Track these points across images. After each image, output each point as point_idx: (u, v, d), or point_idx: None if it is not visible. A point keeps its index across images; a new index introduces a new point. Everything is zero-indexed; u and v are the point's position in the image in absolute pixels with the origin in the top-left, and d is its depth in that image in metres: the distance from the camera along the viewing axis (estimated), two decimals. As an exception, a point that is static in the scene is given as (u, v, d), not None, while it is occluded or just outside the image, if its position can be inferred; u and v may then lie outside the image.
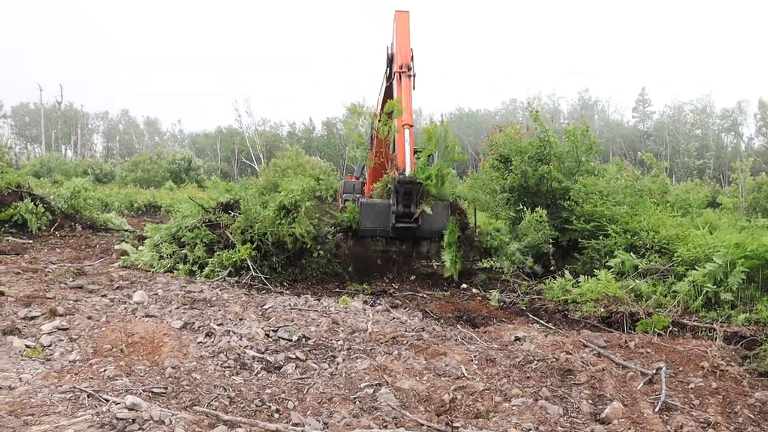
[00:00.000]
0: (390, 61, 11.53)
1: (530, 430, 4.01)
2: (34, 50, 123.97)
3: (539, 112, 13.67)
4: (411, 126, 10.31)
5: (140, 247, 11.16)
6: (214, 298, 7.73)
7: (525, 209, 11.50)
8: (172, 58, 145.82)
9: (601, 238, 10.36)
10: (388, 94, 11.98)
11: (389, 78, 11.76)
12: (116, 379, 4.38)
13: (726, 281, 7.43)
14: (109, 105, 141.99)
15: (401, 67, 10.74)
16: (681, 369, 5.42)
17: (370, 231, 10.13)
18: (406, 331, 6.51)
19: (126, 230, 16.84)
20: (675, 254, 8.94)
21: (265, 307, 7.36)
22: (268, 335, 6.04)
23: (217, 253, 9.61)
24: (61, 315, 6.10)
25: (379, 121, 12.14)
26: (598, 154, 14.45)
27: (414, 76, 10.73)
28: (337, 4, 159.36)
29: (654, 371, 5.11)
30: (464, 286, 10.18)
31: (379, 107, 12.90)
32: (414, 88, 10.90)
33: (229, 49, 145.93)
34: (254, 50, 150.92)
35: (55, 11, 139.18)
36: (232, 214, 10.44)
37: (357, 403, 4.40)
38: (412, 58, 10.91)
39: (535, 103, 70.04)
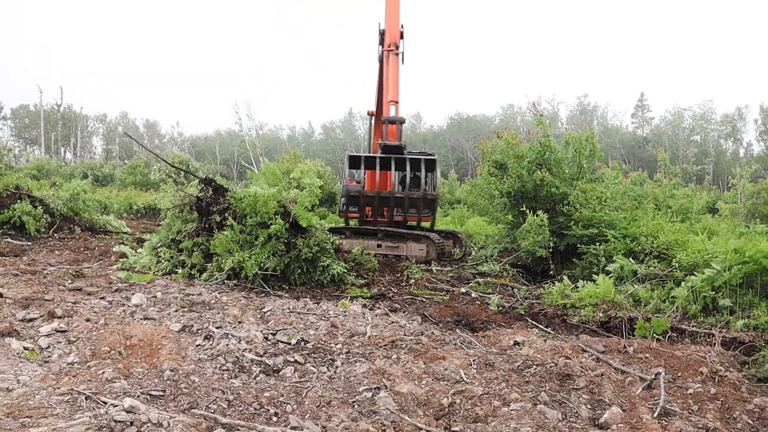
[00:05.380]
0: (381, 40, 11.62)
1: (529, 434, 4.00)
2: (33, 48, 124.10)
3: (543, 115, 13.67)
4: (396, 102, 10.43)
5: (139, 250, 11.16)
6: (212, 301, 7.72)
7: (527, 212, 11.49)
8: (172, 57, 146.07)
9: (600, 244, 10.37)
10: (381, 74, 12.17)
11: (380, 58, 11.87)
12: (114, 382, 4.37)
13: (724, 287, 7.44)
14: (109, 103, 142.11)
15: (389, 46, 10.82)
16: (680, 374, 5.41)
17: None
18: (405, 335, 6.51)
19: (125, 233, 16.85)
20: (674, 259, 8.96)
21: (264, 310, 7.36)
22: (266, 338, 6.04)
23: (215, 258, 9.59)
24: (59, 317, 6.09)
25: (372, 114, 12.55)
26: (599, 159, 14.50)
27: (402, 53, 10.85)
28: (336, 6, 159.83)
29: (653, 376, 5.11)
30: (463, 290, 10.18)
31: (376, 94, 13.03)
32: (402, 63, 11.11)
33: (230, 50, 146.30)
34: (254, 51, 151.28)
35: (55, 10, 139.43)
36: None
37: (356, 406, 4.39)
38: (402, 35, 11.08)
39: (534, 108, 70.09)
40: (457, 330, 7.30)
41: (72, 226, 15.93)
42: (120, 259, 10.77)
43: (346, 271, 10.32)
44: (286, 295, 8.97)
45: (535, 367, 5.33)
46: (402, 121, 10.15)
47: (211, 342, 5.72)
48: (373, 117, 14.17)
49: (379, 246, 13.78)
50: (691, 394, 4.87)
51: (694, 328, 7.16)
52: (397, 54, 10.75)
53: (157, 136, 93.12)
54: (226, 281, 9.20)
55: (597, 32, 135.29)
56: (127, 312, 6.69)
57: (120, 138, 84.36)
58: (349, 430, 3.94)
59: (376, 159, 9.54)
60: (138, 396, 4.09)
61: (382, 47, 11.64)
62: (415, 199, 9.29)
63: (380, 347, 5.97)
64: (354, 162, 9.47)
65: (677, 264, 8.79)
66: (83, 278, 8.97)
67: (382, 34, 11.54)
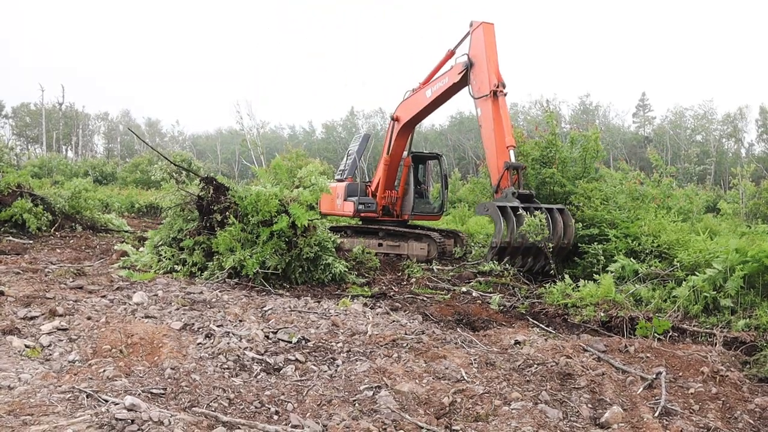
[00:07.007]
0: (466, 71, 11.58)
1: (530, 433, 4.00)
2: (33, 48, 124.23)
3: (554, 113, 13.73)
4: (514, 147, 10.75)
5: (140, 249, 11.17)
6: (213, 300, 7.72)
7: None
8: (173, 57, 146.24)
9: (601, 243, 10.36)
10: (445, 97, 12.55)
11: (456, 87, 12.05)
12: (115, 380, 4.38)
13: (725, 287, 7.43)
14: (111, 102, 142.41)
15: (496, 86, 10.74)
16: (681, 374, 5.41)
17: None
18: (405, 333, 6.51)
19: (126, 231, 16.87)
20: (675, 259, 8.95)
21: (265, 308, 7.36)
22: (267, 337, 6.04)
23: (216, 257, 9.59)
24: (60, 315, 6.10)
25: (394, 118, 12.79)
26: (601, 158, 14.54)
27: (506, 94, 10.93)
28: (336, 6, 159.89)
29: (654, 376, 5.11)
30: (464, 289, 10.17)
31: (416, 106, 13.17)
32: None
33: (230, 49, 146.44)
34: (254, 51, 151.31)
35: (55, 10, 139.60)
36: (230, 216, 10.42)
37: (356, 405, 4.39)
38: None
39: (536, 108, 70.12)
40: (458, 329, 7.30)
41: (73, 224, 15.94)
42: (121, 258, 10.78)
43: (347, 269, 10.33)
44: (287, 293, 8.97)
45: (536, 366, 5.33)
46: (524, 168, 10.80)
47: (212, 340, 5.72)
48: (396, 121, 14.13)
49: (380, 245, 13.79)
50: (692, 393, 4.87)
51: (695, 328, 7.15)
52: (505, 94, 10.87)
53: (158, 135, 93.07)
54: (227, 280, 9.20)
55: (598, 32, 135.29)
56: (128, 310, 6.69)
57: (121, 136, 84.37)
58: (349, 428, 3.94)
59: (519, 208, 10.43)
60: (139, 394, 4.09)
61: (465, 78, 11.65)
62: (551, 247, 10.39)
63: (381, 346, 5.96)
64: (503, 211, 10.36)
65: (678, 264, 8.78)
66: (84, 276, 8.98)
67: (467, 66, 11.53)
